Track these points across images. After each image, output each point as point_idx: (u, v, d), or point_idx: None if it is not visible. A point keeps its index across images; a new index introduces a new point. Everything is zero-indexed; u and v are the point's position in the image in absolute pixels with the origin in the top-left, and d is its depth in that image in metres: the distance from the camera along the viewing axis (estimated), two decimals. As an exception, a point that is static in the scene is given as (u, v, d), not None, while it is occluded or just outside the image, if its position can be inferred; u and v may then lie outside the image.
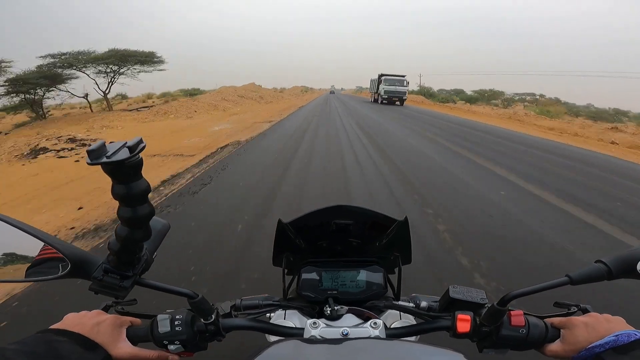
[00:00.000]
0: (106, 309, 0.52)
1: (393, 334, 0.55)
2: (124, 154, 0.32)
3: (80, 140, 7.26)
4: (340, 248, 0.64)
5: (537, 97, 49.93)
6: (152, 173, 4.58)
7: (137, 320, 0.54)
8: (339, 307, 0.57)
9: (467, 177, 4.72)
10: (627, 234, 2.99)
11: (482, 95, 46.58)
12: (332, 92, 77.38)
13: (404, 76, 27.19)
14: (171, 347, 0.50)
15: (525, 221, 3.13)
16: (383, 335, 0.53)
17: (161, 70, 23.00)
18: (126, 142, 0.34)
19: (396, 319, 0.61)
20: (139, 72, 21.95)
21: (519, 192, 4.11)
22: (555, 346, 0.50)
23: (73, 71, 19.35)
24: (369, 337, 0.51)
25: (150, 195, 0.38)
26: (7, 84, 16.76)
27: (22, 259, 0.45)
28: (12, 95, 17.52)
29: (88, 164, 0.32)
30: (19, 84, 16.82)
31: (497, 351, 0.53)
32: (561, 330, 0.51)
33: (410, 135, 8.96)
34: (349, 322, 0.56)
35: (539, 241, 2.73)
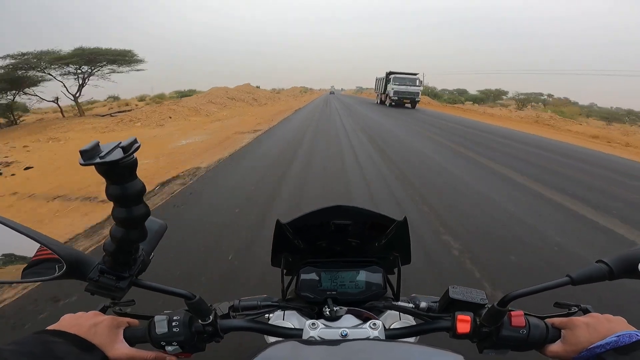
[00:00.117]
0: (104, 310, 0.52)
1: (392, 335, 0.54)
2: (118, 154, 0.32)
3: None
4: (340, 248, 0.63)
5: (545, 97, 47.50)
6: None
7: (135, 321, 0.53)
8: (338, 307, 0.57)
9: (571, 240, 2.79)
10: None
11: (487, 96, 44.45)
12: (332, 93, 76.71)
13: (416, 74, 23.49)
14: (169, 348, 0.50)
15: None
16: (382, 336, 0.52)
17: (139, 70, 20.60)
18: (120, 142, 0.33)
19: (396, 320, 0.61)
20: (110, 72, 19.51)
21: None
22: (556, 347, 0.49)
23: (43, 73, 17.11)
24: (368, 338, 0.50)
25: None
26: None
27: (18, 260, 0.45)
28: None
29: (81, 164, 0.31)
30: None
31: (497, 352, 0.52)
32: (562, 330, 0.50)
33: (441, 152, 6.61)
34: (348, 323, 0.56)
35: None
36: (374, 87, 30.77)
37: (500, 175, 4.99)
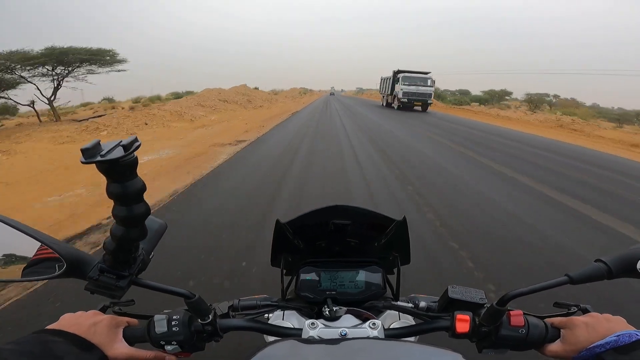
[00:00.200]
0: (103, 310, 0.52)
1: (392, 335, 0.54)
2: (119, 152, 0.32)
3: None
4: (339, 248, 0.63)
5: (551, 97, 45.87)
6: None
7: (134, 321, 0.53)
8: (337, 307, 0.57)
9: None
10: None
11: (491, 96, 42.94)
12: (332, 94, 76.03)
13: (427, 73, 20.67)
14: (168, 347, 0.50)
15: None
16: (382, 336, 0.52)
17: (121, 70, 18.30)
18: (121, 141, 0.33)
19: (395, 320, 0.61)
20: (87, 74, 17.33)
21: None
22: (555, 346, 0.49)
23: (14, 75, 15.38)
24: (367, 338, 0.50)
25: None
26: None
27: (18, 258, 0.45)
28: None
29: (82, 162, 0.31)
30: None
31: (496, 351, 0.52)
32: (561, 330, 0.50)
33: (484, 179, 4.87)
34: (347, 323, 0.56)
35: None
36: (378, 88, 28.74)
37: (583, 219, 3.40)
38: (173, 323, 0.49)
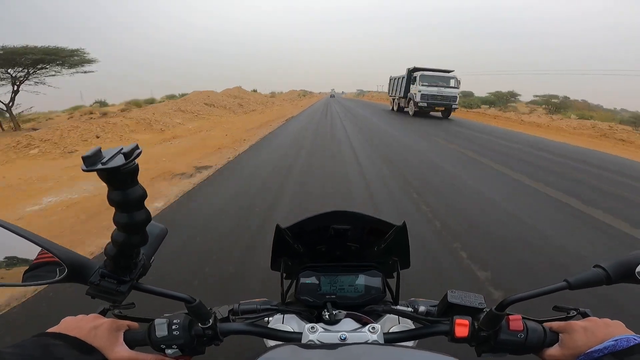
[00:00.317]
0: (104, 313, 0.52)
1: (391, 339, 0.54)
2: (120, 160, 0.32)
3: None
4: (339, 253, 0.63)
5: (561, 99, 43.58)
6: None
7: (135, 324, 0.53)
8: (337, 311, 0.57)
9: None
10: None
11: (498, 98, 40.90)
12: (332, 96, 75.29)
13: (451, 71, 16.78)
14: (169, 351, 0.50)
15: None
16: (381, 340, 0.52)
17: (88, 72, 15.94)
18: (122, 148, 0.33)
19: (394, 324, 0.61)
20: (34, 78, 14.83)
21: None
22: (553, 351, 0.49)
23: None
24: (366, 342, 0.50)
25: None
26: None
27: (19, 263, 0.44)
28: None
29: (83, 170, 0.31)
30: None
31: (495, 355, 0.52)
32: (560, 334, 0.50)
33: (567, 223, 3.22)
34: (347, 327, 0.56)
35: None
36: (378, 90, 25.96)
37: None
38: (174, 327, 0.49)
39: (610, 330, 0.44)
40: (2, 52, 12.89)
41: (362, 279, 0.60)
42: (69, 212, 3.43)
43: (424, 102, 15.52)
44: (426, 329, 0.55)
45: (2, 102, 13.77)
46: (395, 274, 0.62)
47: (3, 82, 13.87)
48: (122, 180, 0.34)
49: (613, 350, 0.41)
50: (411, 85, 16.96)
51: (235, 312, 0.58)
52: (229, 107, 19.08)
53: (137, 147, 0.34)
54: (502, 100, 39.23)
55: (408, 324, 0.60)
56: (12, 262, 0.44)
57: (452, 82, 16.22)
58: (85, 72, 15.66)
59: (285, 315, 0.60)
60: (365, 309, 0.60)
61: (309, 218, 0.55)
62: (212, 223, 3.10)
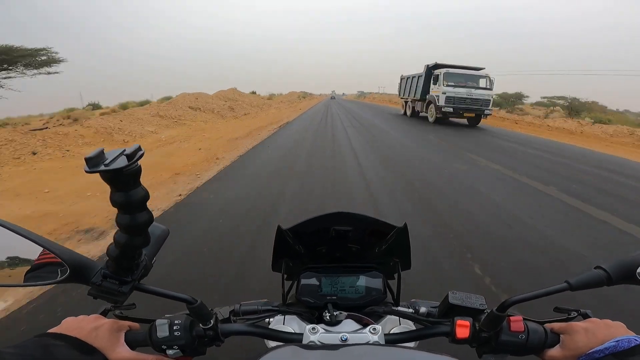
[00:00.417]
0: (105, 314, 0.52)
1: (392, 340, 0.54)
2: (122, 162, 0.32)
3: None
4: (340, 254, 0.63)
5: (570, 100, 41.31)
6: None
7: (136, 325, 0.53)
8: (338, 312, 0.57)
9: None
10: None
11: (506, 100, 39.13)
12: (332, 98, 74.64)
13: (481, 69, 13.81)
14: (170, 352, 0.50)
15: None
16: (382, 341, 0.52)
17: (53, 73, 13.26)
18: (124, 150, 0.33)
19: (395, 325, 0.61)
20: (8, 77, 12.27)
21: None
22: (554, 352, 0.49)
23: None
24: (367, 343, 0.50)
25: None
26: None
27: (21, 263, 0.44)
28: None
29: (86, 171, 0.31)
30: None
31: (496, 357, 0.52)
32: (561, 335, 0.50)
33: None
34: (348, 328, 0.56)
35: None
36: (379, 91, 23.36)
37: None
38: (175, 328, 0.49)
39: (611, 331, 0.45)
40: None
41: (362, 280, 0.61)
42: None
43: (449, 106, 12.37)
44: (427, 330, 0.55)
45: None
46: (396, 275, 0.62)
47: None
48: (124, 182, 0.34)
49: (614, 351, 0.41)
50: (432, 86, 13.62)
51: (236, 312, 0.59)
52: (218, 111, 17.02)
53: (139, 149, 0.34)
54: (509, 102, 37.49)
55: (409, 325, 0.60)
56: (13, 262, 0.44)
57: (484, 82, 13.04)
58: (50, 73, 13.45)
59: (286, 316, 0.61)
60: (366, 310, 0.60)
61: (311, 219, 0.56)
62: None
